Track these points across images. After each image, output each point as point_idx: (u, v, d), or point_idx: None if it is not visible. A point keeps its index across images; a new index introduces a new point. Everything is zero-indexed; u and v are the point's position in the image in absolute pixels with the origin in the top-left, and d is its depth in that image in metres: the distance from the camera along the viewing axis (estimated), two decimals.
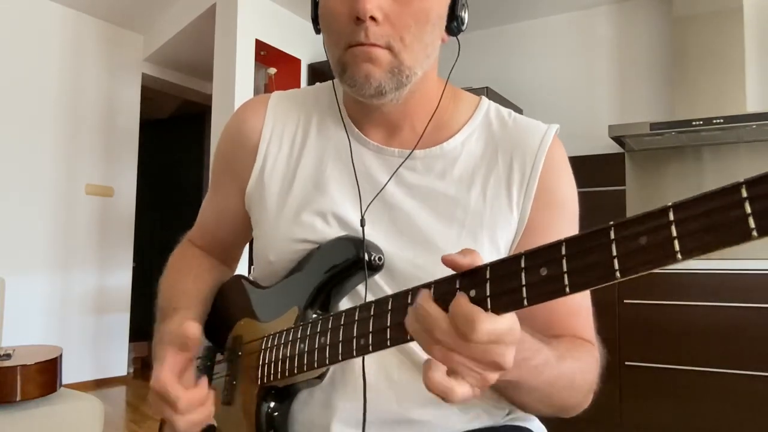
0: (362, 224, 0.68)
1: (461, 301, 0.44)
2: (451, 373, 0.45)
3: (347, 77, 0.65)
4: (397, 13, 0.62)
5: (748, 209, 0.32)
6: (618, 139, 3.02)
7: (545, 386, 0.58)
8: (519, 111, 3.41)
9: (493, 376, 0.45)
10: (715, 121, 2.67)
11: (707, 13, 2.95)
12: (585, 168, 3.29)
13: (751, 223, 0.32)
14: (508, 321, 0.44)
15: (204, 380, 0.64)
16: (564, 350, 0.60)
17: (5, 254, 3.43)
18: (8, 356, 1.90)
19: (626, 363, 2.65)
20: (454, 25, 0.70)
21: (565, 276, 0.40)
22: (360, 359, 0.66)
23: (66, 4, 3.75)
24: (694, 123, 2.72)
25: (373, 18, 0.60)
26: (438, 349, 0.45)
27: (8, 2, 3.51)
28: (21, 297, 3.41)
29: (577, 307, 0.69)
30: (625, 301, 2.67)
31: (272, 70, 3.59)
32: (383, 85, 0.64)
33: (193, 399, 0.61)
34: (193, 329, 0.62)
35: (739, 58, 2.86)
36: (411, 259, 0.67)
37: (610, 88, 3.41)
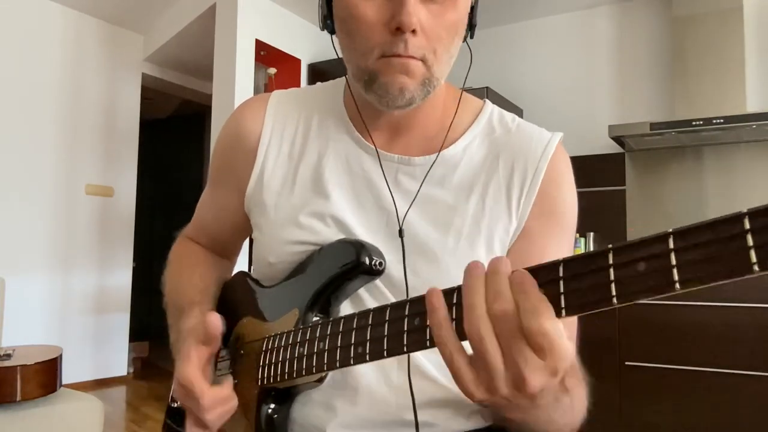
0: (401, 234, 0.68)
1: (532, 283, 0.40)
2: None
3: (378, 87, 0.63)
4: (432, 26, 0.61)
5: (750, 242, 0.31)
6: (618, 139, 3.02)
7: (552, 430, 0.56)
8: (519, 111, 3.42)
9: (504, 390, 0.42)
10: (715, 121, 2.67)
11: (707, 13, 2.95)
12: (585, 168, 3.29)
13: (753, 257, 0.31)
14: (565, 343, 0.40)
15: (229, 380, 0.64)
16: (573, 392, 0.56)
17: (5, 254, 3.43)
18: (8, 356, 1.90)
19: (626, 363, 2.65)
20: (467, 31, 0.70)
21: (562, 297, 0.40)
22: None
23: (66, 4, 3.75)
24: (694, 123, 2.72)
25: (413, 30, 0.60)
26: (485, 334, 0.41)
27: (8, 2, 3.52)
28: (21, 297, 3.42)
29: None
30: None
31: (272, 70, 3.59)
32: (415, 97, 0.63)
33: (217, 396, 0.62)
34: (215, 322, 0.63)
35: (739, 58, 2.86)
36: (409, 266, 0.67)
37: (610, 88, 3.41)
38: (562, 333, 0.40)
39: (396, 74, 0.62)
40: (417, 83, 0.63)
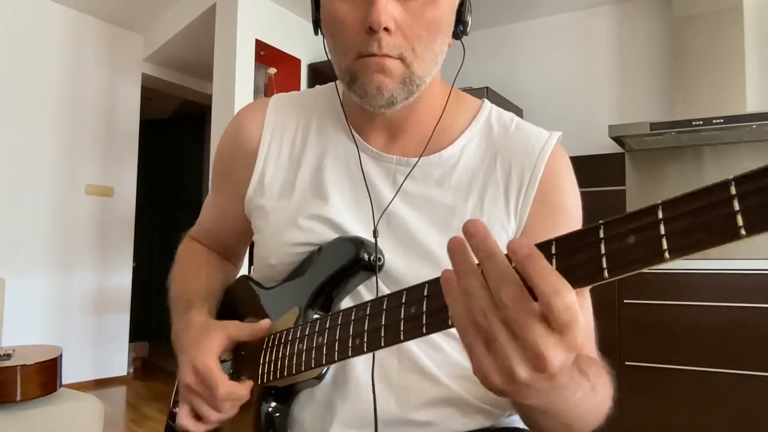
0: (375, 235, 0.68)
1: (544, 261, 0.38)
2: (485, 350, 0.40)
3: (357, 87, 0.64)
4: (409, 24, 0.61)
5: (737, 206, 0.31)
6: (618, 139, 3.02)
7: (575, 419, 0.54)
8: (519, 111, 3.42)
9: (524, 375, 0.40)
10: (715, 121, 2.67)
11: (707, 13, 2.95)
12: (585, 168, 3.28)
13: (739, 221, 0.31)
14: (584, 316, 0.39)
15: (249, 383, 0.66)
16: (594, 379, 0.55)
17: (5, 254, 3.43)
18: (8, 356, 1.90)
19: (626, 363, 2.65)
20: (459, 29, 0.69)
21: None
22: (360, 359, 0.66)
23: (66, 4, 3.75)
24: (694, 123, 2.72)
25: (386, 29, 0.60)
26: (493, 321, 0.39)
27: (8, 2, 3.51)
28: (21, 297, 3.41)
29: None
30: (625, 301, 2.67)
31: (272, 70, 3.59)
32: (395, 96, 0.63)
33: (233, 391, 0.64)
34: (266, 327, 0.68)
35: (739, 58, 2.86)
36: (409, 267, 0.67)
37: (610, 88, 3.41)
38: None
39: (373, 74, 0.62)
40: (396, 82, 0.62)
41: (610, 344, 2.66)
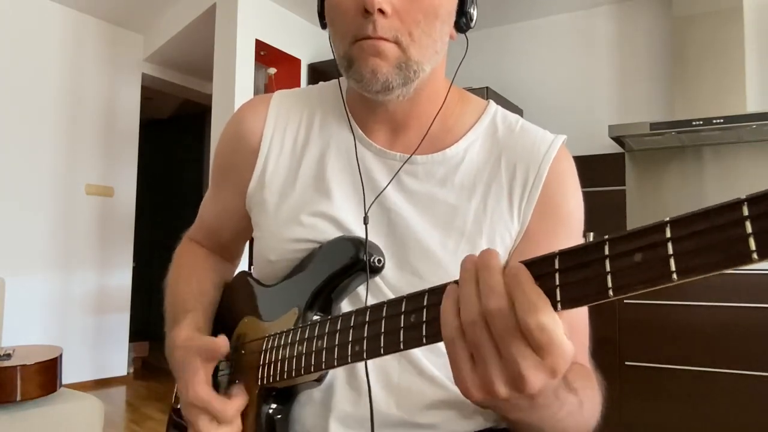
0: (365, 222, 0.68)
1: (528, 278, 0.39)
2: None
3: (353, 72, 0.63)
4: (406, 8, 0.61)
5: (749, 229, 0.29)
6: (618, 139, 3.02)
7: (557, 419, 0.54)
8: (519, 111, 3.42)
9: (503, 391, 0.40)
10: (715, 121, 2.67)
11: (707, 13, 2.95)
12: (585, 168, 3.27)
13: (752, 244, 0.29)
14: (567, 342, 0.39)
15: (241, 390, 0.67)
16: (582, 393, 0.54)
17: (5, 254, 3.43)
18: (8, 356, 1.90)
19: (626, 363, 2.65)
20: (462, 21, 0.69)
21: (557, 289, 0.39)
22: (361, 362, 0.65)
23: (66, 4, 3.75)
24: (694, 123, 2.72)
25: (381, 11, 0.59)
26: (480, 332, 0.40)
27: (8, 2, 3.51)
28: (21, 297, 3.41)
29: (575, 324, 0.65)
30: (625, 301, 2.67)
31: (272, 70, 3.59)
32: (390, 80, 0.62)
33: (237, 408, 0.65)
34: (223, 344, 0.66)
35: (739, 58, 2.86)
36: (409, 266, 0.67)
37: (610, 88, 3.41)
38: (561, 328, 0.39)
39: (368, 57, 0.62)
40: (391, 66, 0.62)
41: (610, 344, 2.67)
